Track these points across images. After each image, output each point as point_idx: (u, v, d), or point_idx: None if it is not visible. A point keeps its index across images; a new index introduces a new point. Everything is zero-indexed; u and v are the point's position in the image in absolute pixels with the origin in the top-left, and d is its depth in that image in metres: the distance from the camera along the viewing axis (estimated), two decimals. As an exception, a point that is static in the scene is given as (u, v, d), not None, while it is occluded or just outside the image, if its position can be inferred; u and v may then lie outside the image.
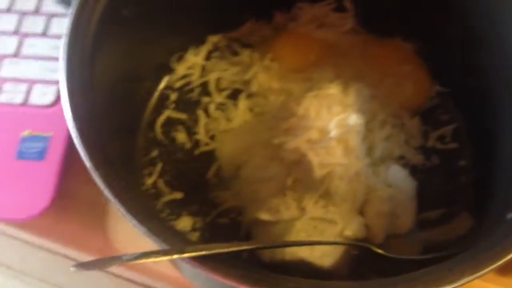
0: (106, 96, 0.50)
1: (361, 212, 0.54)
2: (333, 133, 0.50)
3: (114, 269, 0.59)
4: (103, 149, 0.43)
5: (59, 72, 0.45)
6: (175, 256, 0.34)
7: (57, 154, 0.59)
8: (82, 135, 0.41)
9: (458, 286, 0.35)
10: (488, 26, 0.56)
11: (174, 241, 0.36)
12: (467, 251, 0.39)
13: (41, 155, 0.59)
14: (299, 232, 0.51)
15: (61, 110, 0.61)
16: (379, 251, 0.49)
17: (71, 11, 0.47)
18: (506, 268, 0.57)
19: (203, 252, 0.34)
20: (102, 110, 0.47)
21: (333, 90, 0.55)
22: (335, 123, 0.51)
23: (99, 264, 0.34)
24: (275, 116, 0.55)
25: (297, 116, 0.52)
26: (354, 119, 0.52)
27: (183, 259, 0.34)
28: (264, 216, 0.52)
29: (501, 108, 0.57)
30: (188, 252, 0.34)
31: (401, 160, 0.60)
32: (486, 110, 0.60)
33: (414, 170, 0.60)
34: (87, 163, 0.39)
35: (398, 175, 0.57)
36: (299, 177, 0.52)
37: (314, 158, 0.50)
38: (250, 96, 0.64)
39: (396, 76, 0.63)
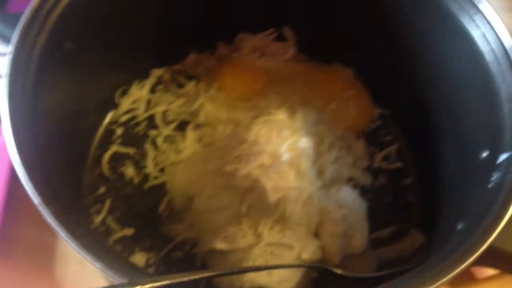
0: (50, 132, 0.48)
1: (316, 234, 0.55)
2: (285, 157, 0.51)
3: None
4: (51, 184, 0.41)
5: (2, 109, 0.44)
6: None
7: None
8: (28, 170, 0.39)
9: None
10: (423, 50, 0.59)
11: (132, 275, 0.35)
12: (421, 265, 0.40)
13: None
14: (256, 259, 0.50)
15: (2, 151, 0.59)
16: (337, 271, 0.49)
17: (10, 48, 0.46)
18: (457, 279, 0.59)
19: (163, 282, 0.33)
20: (47, 146, 0.46)
21: (281, 115, 0.56)
22: (286, 147, 0.51)
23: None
24: (226, 144, 0.55)
25: (247, 142, 0.52)
26: (304, 142, 0.52)
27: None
28: (221, 245, 0.51)
29: (439, 126, 0.60)
30: (148, 283, 0.33)
31: (351, 181, 0.62)
32: (425, 130, 0.63)
33: (363, 191, 0.62)
34: (35, 199, 0.37)
35: (349, 196, 0.58)
36: (254, 204, 0.52)
37: (268, 183, 0.50)
38: (197, 127, 0.64)
39: (340, 101, 0.65)
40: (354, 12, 0.62)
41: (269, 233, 0.51)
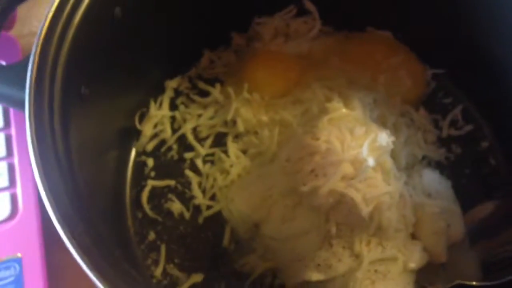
0: (78, 177, 0.40)
1: (413, 235, 0.48)
2: (370, 161, 0.43)
3: None
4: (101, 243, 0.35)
5: (32, 164, 0.36)
6: None
7: (37, 278, 0.47)
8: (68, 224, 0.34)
9: None
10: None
11: None
12: None
13: (18, 284, 0.47)
14: (362, 282, 0.43)
15: (24, 220, 0.50)
16: (473, 283, 0.42)
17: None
18: None
19: None
20: (81, 194, 0.39)
21: (344, 109, 0.47)
22: (367, 149, 0.43)
23: None
24: (289, 158, 0.47)
25: (320, 152, 0.44)
26: (385, 137, 0.44)
27: None
28: (317, 276, 0.43)
29: (507, 69, 0.52)
30: None
31: (424, 160, 0.54)
32: (492, 81, 0.55)
33: (440, 167, 0.54)
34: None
35: (432, 179, 0.51)
36: (343, 221, 0.44)
37: (356, 196, 0.42)
38: (237, 137, 0.55)
39: (388, 71, 0.57)
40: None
41: (369, 250, 0.43)
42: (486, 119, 0.57)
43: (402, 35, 0.60)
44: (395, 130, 0.53)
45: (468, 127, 0.57)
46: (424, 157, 0.54)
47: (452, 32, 0.56)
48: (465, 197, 0.52)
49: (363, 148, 0.43)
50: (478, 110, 0.58)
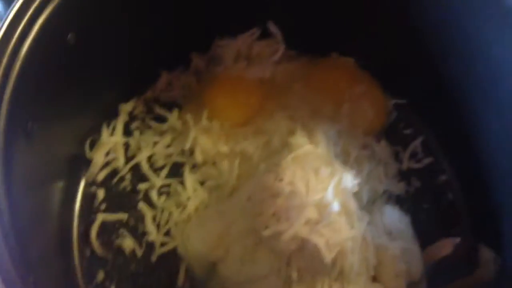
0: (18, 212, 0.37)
1: (374, 277, 0.46)
2: (335, 206, 0.41)
3: None
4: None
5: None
6: None
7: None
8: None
9: None
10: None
11: None
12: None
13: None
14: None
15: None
16: None
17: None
18: None
19: None
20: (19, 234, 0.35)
21: (307, 145, 0.45)
22: (332, 193, 0.42)
23: None
24: (250, 197, 0.44)
25: (283, 195, 0.42)
26: (350, 180, 0.43)
27: None
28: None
29: (474, 110, 0.52)
30: None
31: (384, 195, 0.53)
32: (454, 115, 0.54)
33: (400, 202, 0.54)
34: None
35: (393, 217, 0.50)
36: (305, 266, 0.42)
37: (319, 241, 0.41)
38: (195, 167, 0.53)
39: (352, 100, 0.56)
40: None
41: (329, 296, 0.42)
42: (445, 151, 0.57)
43: (364, 62, 0.59)
44: (357, 165, 0.51)
45: (428, 160, 0.57)
46: (384, 191, 0.53)
47: (415, 61, 0.55)
48: (424, 233, 0.51)
49: (328, 192, 0.41)
50: (438, 142, 0.58)
